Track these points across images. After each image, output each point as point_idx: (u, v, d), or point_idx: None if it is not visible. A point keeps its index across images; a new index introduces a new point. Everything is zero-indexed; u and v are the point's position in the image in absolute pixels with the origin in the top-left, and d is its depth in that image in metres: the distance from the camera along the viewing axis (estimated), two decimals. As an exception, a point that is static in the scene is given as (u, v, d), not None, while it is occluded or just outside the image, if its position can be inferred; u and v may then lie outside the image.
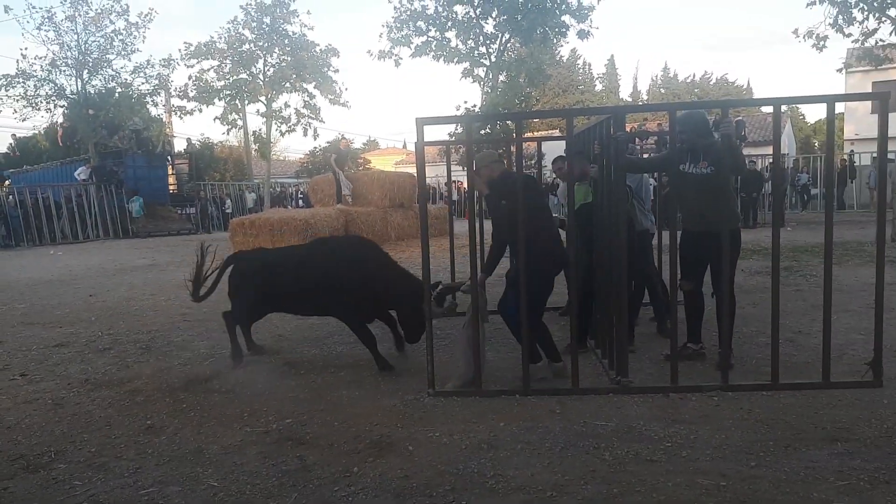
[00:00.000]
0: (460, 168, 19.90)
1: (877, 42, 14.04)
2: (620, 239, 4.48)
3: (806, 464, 3.18)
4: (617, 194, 4.55)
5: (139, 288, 9.98)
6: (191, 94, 24.82)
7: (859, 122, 24.90)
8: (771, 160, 20.97)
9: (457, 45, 17.60)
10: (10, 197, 20.36)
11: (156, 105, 26.68)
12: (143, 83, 25.04)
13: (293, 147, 51.33)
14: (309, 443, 3.73)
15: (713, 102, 20.81)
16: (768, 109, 34.84)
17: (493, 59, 17.47)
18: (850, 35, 13.58)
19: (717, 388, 4.27)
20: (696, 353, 5.02)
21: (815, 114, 50.36)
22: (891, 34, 13.31)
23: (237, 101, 25.05)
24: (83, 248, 18.48)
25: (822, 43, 13.82)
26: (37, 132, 32.25)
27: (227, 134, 27.73)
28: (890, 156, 15.36)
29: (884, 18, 12.96)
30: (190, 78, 24.92)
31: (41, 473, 3.46)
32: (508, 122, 15.78)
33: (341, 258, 5.20)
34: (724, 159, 4.59)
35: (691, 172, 4.70)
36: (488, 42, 17.50)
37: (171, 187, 26.01)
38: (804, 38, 14.02)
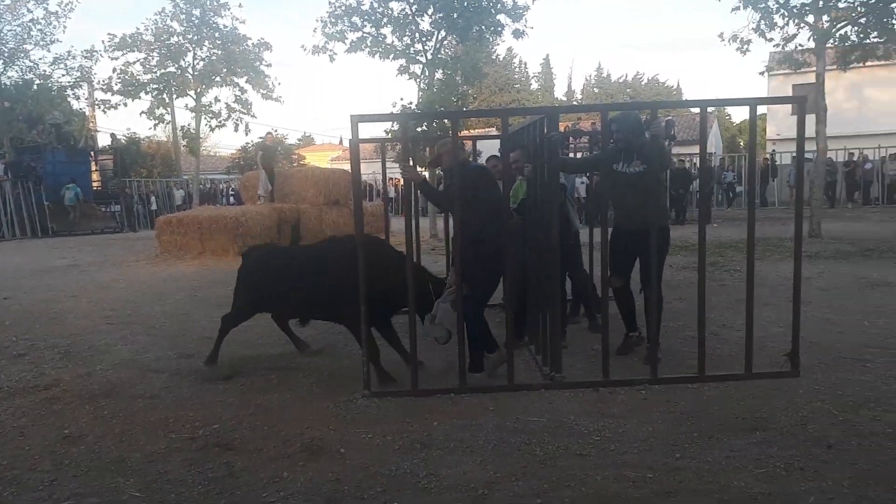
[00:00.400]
0: (396, 165, 19.81)
1: (796, 47, 14.68)
2: (554, 236, 4.54)
3: (727, 453, 3.29)
4: (550, 193, 4.61)
5: (58, 290, 9.52)
6: (115, 88, 23.86)
7: (780, 123, 26.06)
8: (697, 160, 21.68)
9: (392, 42, 17.47)
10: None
11: (77, 98, 25.61)
12: (63, 75, 23.97)
13: (224, 143, 50.10)
14: (237, 448, 3.63)
15: (644, 104, 21.41)
16: (697, 110, 36.09)
17: (429, 57, 17.41)
18: (771, 39, 14.14)
19: (646, 381, 4.37)
20: (638, 338, 5.17)
21: (740, 114, 52.29)
22: (809, 39, 13.95)
23: (165, 95, 24.22)
24: (-2, 247, 17.55)
25: (745, 47, 14.34)
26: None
27: (155, 129, 26.83)
28: (808, 155, 16.13)
29: (802, 25, 13.57)
30: (114, 71, 23.97)
31: (-54, 489, 3.26)
32: (445, 120, 15.80)
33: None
34: (654, 158, 4.74)
35: (625, 172, 4.80)
36: (424, 39, 17.43)
37: (94, 184, 24.98)
38: (729, 41, 14.52)
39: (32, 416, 4.24)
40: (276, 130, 23.60)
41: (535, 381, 4.59)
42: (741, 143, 47.08)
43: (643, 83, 58.31)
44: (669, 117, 22.31)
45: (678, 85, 59.77)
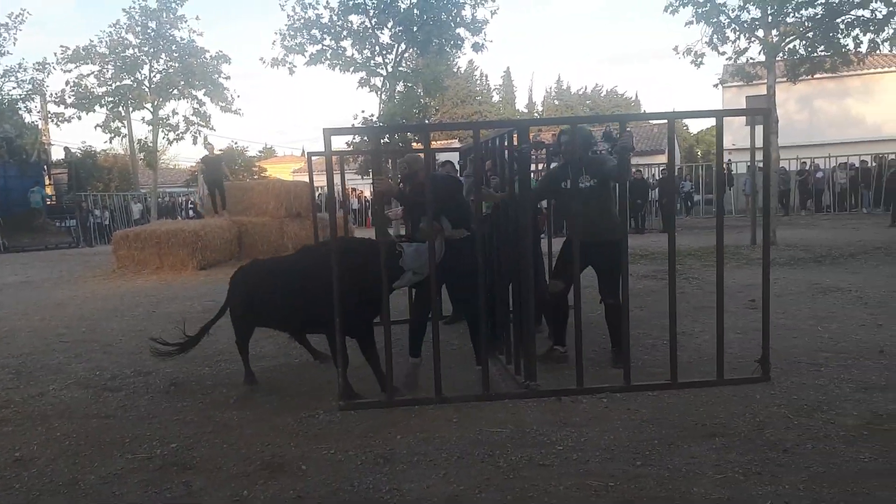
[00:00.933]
0: (358, 177, 19.77)
1: (748, 60, 15.10)
2: (526, 248, 4.54)
3: (687, 460, 3.33)
4: (521, 204, 4.61)
5: (10, 307, 9.23)
6: (69, 101, 23.30)
7: (735, 134, 26.68)
8: (658, 169, 22.05)
9: (353, 55, 17.48)
10: None
11: (30, 111, 24.95)
12: (14, 88, 23.36)
13: (183, 155, 49.14)
14: (196, 467, 3.54)
15: (613, 117, 21.71)
16: (657, 121, 36.77)
17: (390, 70, 17.46)
18: (724, 53, 14.53)
19: (621, 388, 4.40)
20: (562, 355, 5.18)
21: (697, 125, 53.53)
22: (759, 53, 14.36)
23: (121, 108, 23.72)
24: (-54, 265, 16.93)
25: (699, 59, 14.70)
26: None
27: (111, 142, 26.15)
28: (761, 165, 16.55)
29: (753, 39, 13.98)
30: (67, 83, 23.39)
31: None
32: (408, 132, 15.86)
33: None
34: (606, 171, 4.81)
35: (574, 188, 4.81)
36: (384, 52, 17.48)
37: (48, 199, 24.34)
38: (683, 54, 14.87)
39: (-20, 440, 4.09)
40: (236, 143, 23.35)
41: (509, 390, 4.59)
42: (698, 153, 48.15)
43: (602, 95, 59.34)
44: (628, 129, 22.72)
45: (636, 96, 61.07)
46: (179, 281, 11.33)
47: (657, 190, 20.80)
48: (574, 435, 3.72)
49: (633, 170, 19.79)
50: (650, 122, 37.16)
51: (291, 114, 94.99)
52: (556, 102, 59.94)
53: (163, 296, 9.73)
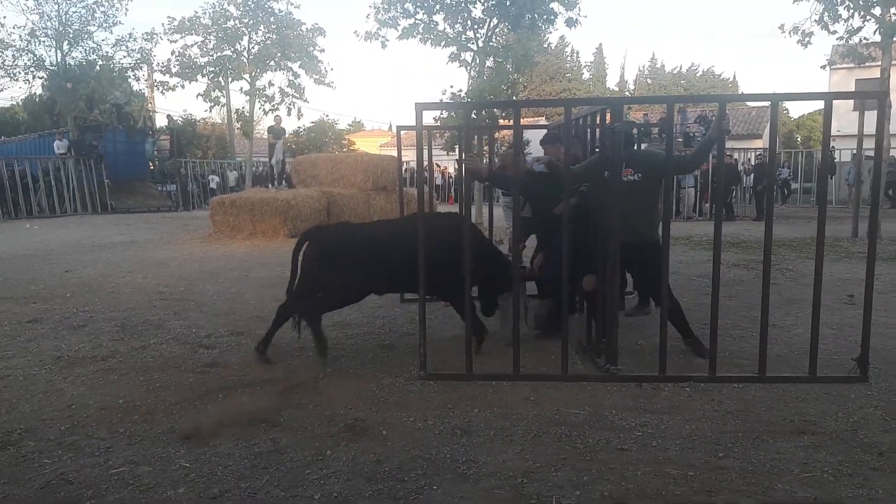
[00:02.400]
0: (444, 153, 19.86)
1: (861, 40, 14.13)
2: (615, 233, 4.45)
3: (772, 455, 3.24)
4: (613, 189, 4.48)
5: (116, 265, 9.87)
6: (173, 70, 24.39)
7: (840, 119, 25.15)
8: (755, 154, 21.09)
9: (444, 29, 17.46)
10: (-14, 169, 20.00)
11: (138, 80, 26.28)
12: (124, 57, 24.60)
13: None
14: (282, 425, 3.72)
15: (711, 97, 20.60)
16: (752, 103, 35.09)
17: (481, 44, 17.36)
18: (835, 32, 13.64)
19: (705, 378, 4.30)
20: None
21: (798, 109, 50.74)
22: (875, 33, 13.40)
23: (220, 78, 24.63)
24: (60, 222, 18.23)
25: (807, 39, 13.88)
26: (15, 103, 31.64)
27: (210, 111, 27.28)
28: (869, 153, 15.54)
29: (868, 17, 13.05)
30: (173, 53, 24.47)
31: (10, 451, 3.43)
32: (495, 109, 15.78)
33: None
34: (647, 168, 4.62)
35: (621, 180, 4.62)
36: (476, 27, 17.37)
37: (151, 164, 25.68)
38: (790, 33, 14.07)
39: (90, 385, 4.42)
40: (327, 115, 23.88)
41: (589, 372, 4.57)
42: (798, 139, 45.68)
43: (698, 74, 57.00)
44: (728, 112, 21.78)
45: (734, 77, 58.36)
46: (271, 247, 11.79)
47: (752, 176, 19.90)
48: (654, 422, 3.67)
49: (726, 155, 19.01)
50: (747, 104, 35.53)
51: (381, 88, 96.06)
52: (650, 81, 58.06)
53: (255, 261, 10.16)
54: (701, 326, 5.54)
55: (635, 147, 4.75)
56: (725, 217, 17.28)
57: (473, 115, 15.24)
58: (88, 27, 23.52)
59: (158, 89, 25.26)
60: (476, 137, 14.78)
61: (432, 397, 4.13)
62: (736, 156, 20.83)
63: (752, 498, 2.84)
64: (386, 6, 17.30)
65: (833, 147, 21.67)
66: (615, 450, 3.35)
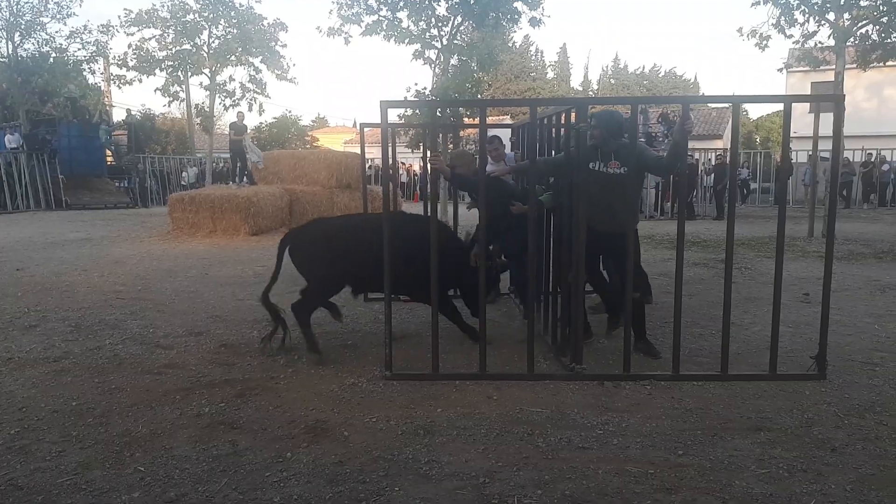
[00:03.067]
0: (409, 150, 19.79)
1: (816, 44, 14.50)
2: (580, 231, 4.47)
3: (730, 452, 3.29)
4: (578, 189, 4.50)
5: (71, 263, 9.59)
6: (130, 64, 23.85)
7: (796, 121, 25.86)
8: (714, 154, 21.45)
9: (408, 26, 17.38)
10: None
11: (93, 73, 25.71)
12: (79, 49, 24.05)
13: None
14: (242, 427, 3.66)
15: (676, 98, 20.94)
16: (714, 105, 35.79)
17: (445, 42, 17.31)
18: (791, 36, 13.98)
19: (667, 377, 4.35)
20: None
21: (757, 111, 51.88)
22: (829, 37, 13.77)
23: (179, 73, 24.18)
24: (12, 219, 17.66)
25: (764, 42, 14.20)
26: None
27: (169, 106, 26.84)
28: (824, 154, 15.98)
29: (823, 22, 13.40)
30: (130, 46, 23.93)
31: (-45, 456, 3.30)
32: (460, 107, 15.78)
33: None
34: (647, 161, 4.69)
35: (601, 171, 4.67)
36: (440, 24, 17.32)
37: (108, 159, 25.08)
38: (748, 36, 14.38)
39: (42, 388, 4.29)
40: (290, 111, 23.60)
41: (553, 371, 4.58)
42: (757, 140, 46.72)
43: (660, 75, 57.85)
44: (692, 111, 22.16)
45: (695, 78, 59.40)
46: (231, 245, 11.60)
47: (712, 176, 20.28)
48: (615, 420, 3.71)
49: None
50: (708, 105, 36.23)
51: (345, 84, 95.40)
52: (613, 81, 58.71)
53: (215, 259, 9.97)
54: (661, 324, 5.64)
55: (626, 137, 4.74)
56: (686, 216, 17.58)
57: (438, 114, 15.22)
58: (41, 18, 22.96)
59: (115, 83, 24.73)
60: (441, 136, 14.76)
61: (395, 397, 4.10)
62: (697, 156, 21.19)
63: (711, 495, 2.88)
64: (349, 2, 17.15)
65: (790, 148, 22.26)
66: (576, 448, 3.36)
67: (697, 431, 3.54)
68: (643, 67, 59.36)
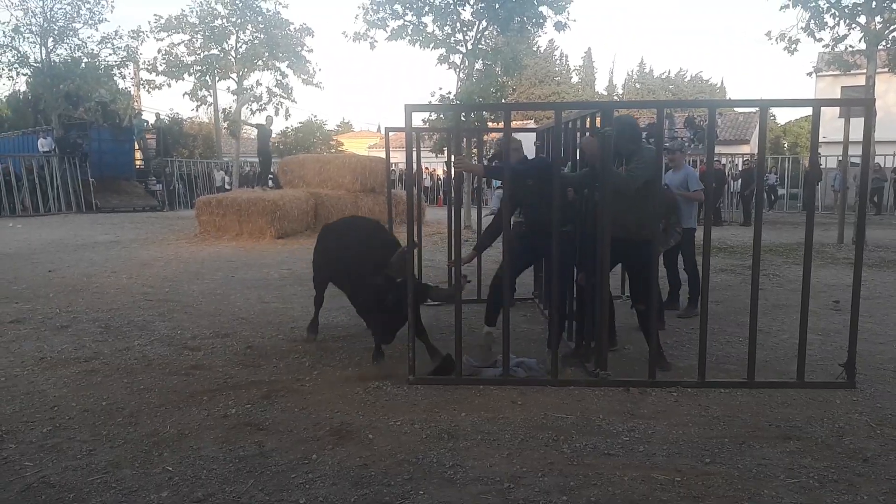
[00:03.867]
0: (433, 155, 19.84)
1: (846, 48, 14.26)
2: (605, 236, 4.42)
3: (759, 461, 3.24)
4: (603, 191, 4.45)
5: (100, 265, 9.77)
6: (160, 68, 24.24)
7: (826, 126, 25.50)
8: (742, 159, 21.15)
9: (433, 31, 17.44)
10: (-31, 166, 19.76)
11: (123, 78, 26.12)
12: (110, 54, 24.45)
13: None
14: (268, 429, 3.69)
15: (702, 102, 20.57)
16: (740, 109, 35.33)
17: (470, 47, 17.35)
18: (821, 40, 13.75)
19: (693, 384, 4.30)
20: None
21: (784, 116, 51.07)
22: (860, 41, 13.52)
23: (207, 77, 24.51)
24: (43, 221, 18.03)
25: (793, 46, 13.98)
26: (-2, 100, 31.35)
27: (197, 110, 27.17)
28: (854, 159, 15.70)
29: (854, 25, 13.17)
30: (159, 51, 24.34)
31: (-10, 453, 3.37)
32: (484, 111, 15.78)
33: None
34: (648, 168, 4.55)
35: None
36: (465, 29, 17.36)
37: (137, 162, 25.48)
38: (777, 40, 14.17)
39: (73, 387, 4.36)
40: (315, 116, 23.80)
41: (578, 377, 4.55)
42: (784, 145, 46.08)
43: (686, 80, 57.32)
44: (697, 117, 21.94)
45: (722, 83, 58.68)
46: (257, 248, 11.72)
47: (739, 181, 20.05)
48: (641, 427, 3.67)
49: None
50: (735, 109, 35.78)
51: (370, 89, 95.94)
52: (638, 86, 58.27)
53: (241, 262, 10.08)
54: (688, 331, 5.58)
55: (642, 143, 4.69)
56: (713, 222, 17.39)
57: (462, 118, 15.22)
58: (74, 24, 23.35)
59: (144, 87, 25.12)
60: (465, 140, 14.78)
61: (419, 401, 4.11)
62: (724, 161, 20.97)
63: (739, 504, 2.84)
64: (375, 7, 17.25)
65: (819, 154, 21.88)
66: (602, 454, 3.34)
67: (725, 439, 3.50)
68: (669, 72, 58.81)
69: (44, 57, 23.00)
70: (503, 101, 17.61)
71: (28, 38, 22.90)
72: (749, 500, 2.88)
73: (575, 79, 59.03)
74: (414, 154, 4.72)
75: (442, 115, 15.87)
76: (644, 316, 4.69)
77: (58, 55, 23.47)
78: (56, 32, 23.06)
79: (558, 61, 57.96)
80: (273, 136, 17.27)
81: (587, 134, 5.18)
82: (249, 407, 4.00)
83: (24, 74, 23.69)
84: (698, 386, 4.28)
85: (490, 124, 14.79)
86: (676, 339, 5.47)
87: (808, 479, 3.05)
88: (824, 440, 3.49)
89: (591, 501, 2.88)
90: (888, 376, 4.54)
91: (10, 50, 22.81)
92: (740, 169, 21.11)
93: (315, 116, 43.36)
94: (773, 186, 23.54)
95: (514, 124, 6.27)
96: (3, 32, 22.55)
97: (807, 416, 3.82)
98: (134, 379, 4.54)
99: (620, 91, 59.60)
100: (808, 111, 4.56)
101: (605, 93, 58.41)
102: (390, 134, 7.34)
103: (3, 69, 23.07)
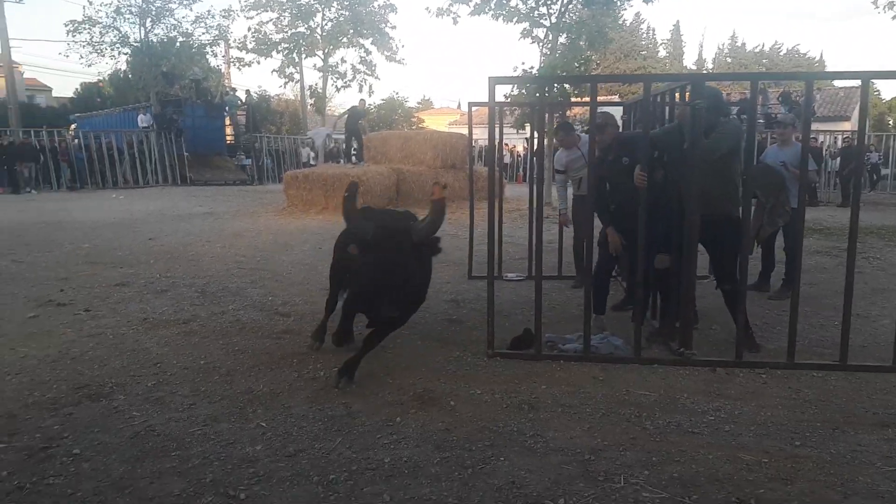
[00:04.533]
0: (514, 131, 19.67)
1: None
2: (693, 214, 4.29)
3: (853, 447, 3.13)
4: (692, 169, 4.32)
5: (196, 234, 10.27)
6: (249, 46, 25.05)
7: (938, 101, 23.69)
8: (841, 136, 19.99)
9: (517, 4, 17.22)
10: (76, 141, 21.08)
11: (215, 56, 27.13)
12: (203, 33, 25.45)
13: (349, 103, 51.60)
14: (354, 392, 3.82)
15: (799, 74, 19.18)
16: (840, 83, 33.29)
17: (554, 20, 17.03)
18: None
19: (782, 365, 4.18)
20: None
21: (890, 91, 47.83)
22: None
23: (294, 55, 25.16)
24: (143, 193, 19.07)
25: (904, 14, 13.07)
26: (101, 78, 33.15)
27: (284, 87, 27.96)
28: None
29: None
30: (249, 29, 25.17)
31: (102, 403, 3.65)
32: (566, 85, 15.48)
33: None
34: (728, 140, 4.39)
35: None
36: (549, 2, 17.05)
37: (227, 138, 26.48)
38: (884, 8, 13.29)
39: (174, 346, 4.65)
40: (397, 93, 24.01)
41: (661, 355, 4.48)
42: (890, 122, 43.16)
43: (781, 53, 54.48)
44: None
45: (821, 56, 55.50)
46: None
47: (838, 160, 18.95)
48: (727, 407, 3.60)
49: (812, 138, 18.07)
50: (834, 83, 33.73)
51: (451, 65, 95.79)
52: (729, 60, 55.84)
53: (328, 234, 10.34)
54: (778, 314, 5.38)
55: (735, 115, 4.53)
56: (808, 202, 16.54)
57: (546, 92, 15.00)
58: (170, 4, 24.39)
59: (235, 65, 26.01)
60: (548, 115, 14.58)
61: (499, 372, 4.16)
62: (822, 139, 19.87)
63: (831, 489, 2.75)
64: (458, -18, 17.16)
65: (928, 131, 20.38)
66: (686, 433, 3.30)
67: (817, 423, 3.38)
68: (762, 45, 56.08)
69: (142, 37, 24.16)
70: (589, 75, 17.23)
71: (128, 18, 24.11)
72: (842, 485, 2.79)
73: (662, 53, 57.10)
74: (496, 130, 4.72)
75: (524, 91, 15.69)
76: (731, 296, 4.55)
77: (155, 35, 24.61)
78: (154, 13, 24.16)
79: (645, 35, 56.13)
80: (365, 118, 17.64)
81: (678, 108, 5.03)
82: (336, 370, 4.14)
83: (125, 54, 24.96)
84: (788, 368, 4.14)
85: (574, 99, 14.51)
86: (766, 322, 5.29)
87: (907, 467, 2.93)
88: (926, 428, 3.33)
89: (672, 478, 2.86)
90: None
91: (112, 30, 24.11)
92: (839, 147, 19.93)
93: (397, 93, 43.79)
94: (876, 165, 22.09)
95: (599, 98, 6.14)
96: (106, 14, 23.82)
97: (907, 404, 3.64)
98: (229, 341, 4.78)
99: (710, 65, 57.26)
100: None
101: (694, 67, 56.23)
102: (473, 109, 7.34)
103: (106, 49, 24.41)
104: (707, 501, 2.67)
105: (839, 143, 20.25)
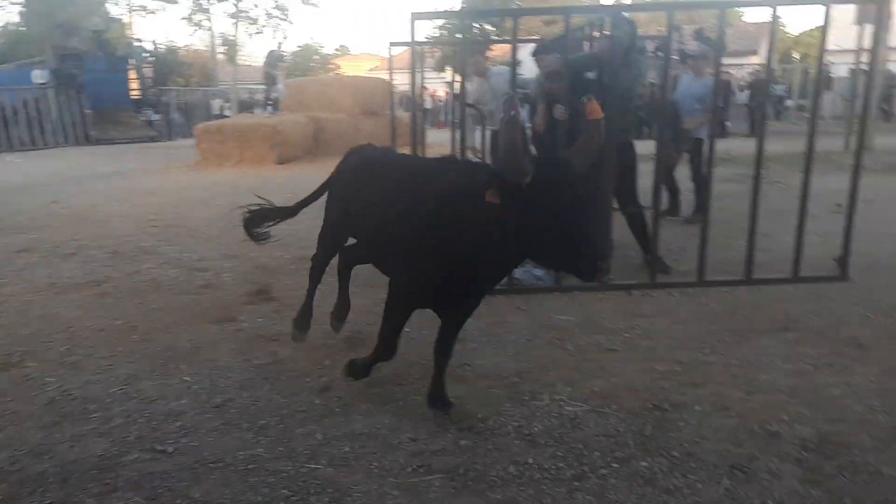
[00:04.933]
0: (434, 74, 19.42)
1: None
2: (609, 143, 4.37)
3: (757, 351, 3.35)
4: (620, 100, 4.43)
5: (104, 195, 9.78)
6: (152, -7, 23.59)
7: (837, 33, 24.77)
8: (749, 70, 20.59)
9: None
10: (-37, 102, 19.52)
11: (116, 3, 25.45)
12: (101, -21, 23.73)
13: (261, 53, 49.51)
14: (281, 340, 3.79)
15: (708, 2, 19.51)
16: (750, 19, 34.28)
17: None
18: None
19: (693, 284, 4.40)
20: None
21: (796, 27, 49.59)
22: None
23: (203, 1, 23.86)
24: (42, 154, 17.93)
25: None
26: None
27: (193, 35, 26.60)
28: (866, 67, 15.29)
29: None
30: (151, -25, 23.63)
31: (12, 371, 3.49)
32: (486, 24, 15.35)
33: None
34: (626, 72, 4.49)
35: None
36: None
37: (133, 93, 25.09)
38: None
39: (86, 309, 4.46)
40: (312, 38, 23.19)
41: (580, 283, 4.61)
42: (797, 56, 44.89)
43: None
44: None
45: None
46: (260, 175, 11.67)
47: (747, 92, 19.64)
48: (643, 325, 3.77)
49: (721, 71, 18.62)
50: (745, 20, 34.71)
51: (369, 10, 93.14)
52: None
53: (244, 187, 10.05)
54: (689, 237, 5.62)
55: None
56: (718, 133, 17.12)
57: (470, 31, 14.82)
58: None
59: (139, 14, 24.49)
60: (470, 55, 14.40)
61: (426, 312, 4.18)
62: (732, 71, 20.47)
63: (737, 388, 2.95)
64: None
65: (830, 62, 21.32)
66: (605, 350, 3.45)
67: (724, 333, 3.60)
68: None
69: (34, -15, 22.36)
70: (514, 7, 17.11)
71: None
72: (747, 384, 2.99)
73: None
74: (399, 74, 4.64)
75: (445, 33, 15.46)
76: (635, 219, 4.74)
77: (48, -18, 22.81)
78: (42, -41, 22.33)
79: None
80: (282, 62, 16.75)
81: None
82: (262, 321, 4.10)
83: (17, 4, 23.10)
84: (698, 286, 4.36)
85: (495, 37, 14.39)
86: (678, 245, 5.51)
87: (804, 364, 3.16)
88: (820, 330, 3.59)
89: (593, 391, 2.99)
90: (883, 270, 4.63)
91: (-3, -20, 22.18)
92: (747, 80, 20.65)
93: (312, 40, 42.37)
94: (781, 97, 23.05)
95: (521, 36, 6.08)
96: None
97: (804, 310, 3.91)
98: (145, 300, 4.63)
99: None
100: (821, 19, 4.40)
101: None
102: (394, 53, 7.15)
103: (-8, 0, 22.49)
104: (625, 409, 2.82)
105: (747, 76, 20.97)
